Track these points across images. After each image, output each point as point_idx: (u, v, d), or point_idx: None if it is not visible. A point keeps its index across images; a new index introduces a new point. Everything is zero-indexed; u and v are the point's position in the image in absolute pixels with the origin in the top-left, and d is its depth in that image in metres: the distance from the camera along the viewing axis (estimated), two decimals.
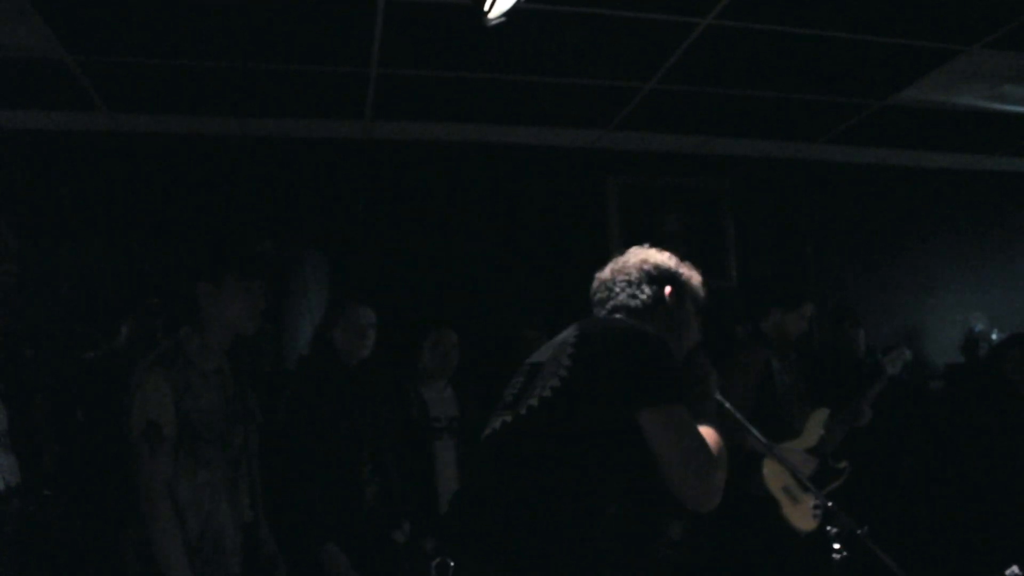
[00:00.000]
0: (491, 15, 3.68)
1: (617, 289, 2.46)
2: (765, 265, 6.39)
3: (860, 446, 4.67)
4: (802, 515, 4.02)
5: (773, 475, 4.02)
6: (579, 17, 4.20)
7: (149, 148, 5.50)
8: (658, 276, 2.50)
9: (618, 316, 2.38)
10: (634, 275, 2.48)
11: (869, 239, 6.75)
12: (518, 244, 5.95)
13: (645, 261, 2.52)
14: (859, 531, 2.20)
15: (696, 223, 6.37)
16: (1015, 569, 2.63)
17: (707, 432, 2.06)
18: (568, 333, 2.22)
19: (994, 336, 6.43)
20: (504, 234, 5.93)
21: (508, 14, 3.69)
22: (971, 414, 5.34)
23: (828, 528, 2.24)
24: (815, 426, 4.23)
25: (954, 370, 6.45)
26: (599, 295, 2.51)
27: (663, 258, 2.56)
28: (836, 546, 2.23)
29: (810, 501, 4.00)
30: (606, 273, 2.55)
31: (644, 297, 2.44)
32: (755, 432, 2.36)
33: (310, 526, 3.39)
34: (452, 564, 1.97)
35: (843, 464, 4.26)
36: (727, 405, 2.34)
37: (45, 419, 4.10)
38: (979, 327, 6.59)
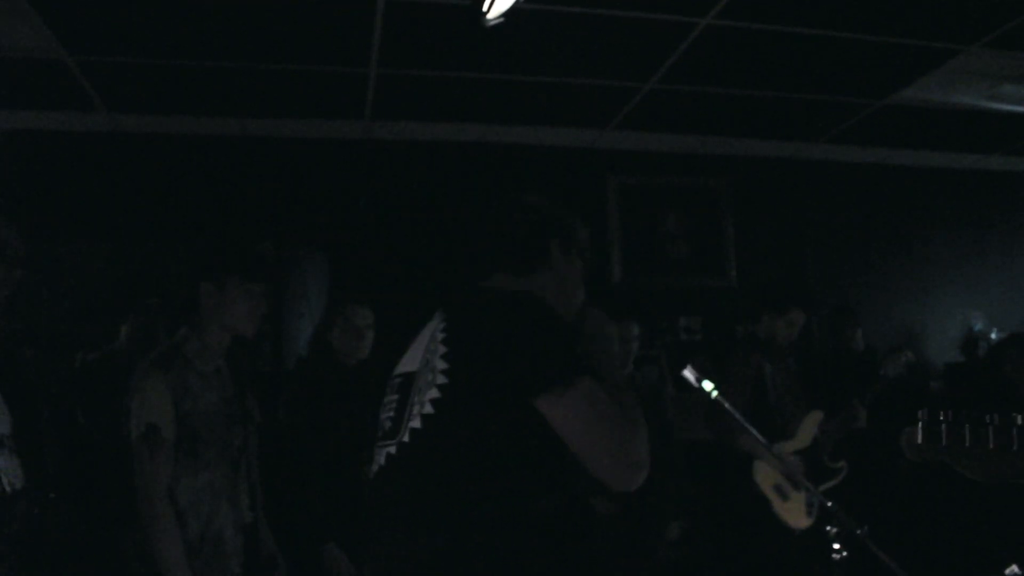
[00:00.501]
0: (490, 15, 3.69)
1: (492, 246, 2.04)
2: (765, 265, 6.39)
3: (860, 446, 4.69)
4: (794, 512, 4.08)
5: (764, 474, 4.10)
6: (578, 17, 4.21)
7: (149, 149, 5.51)
8: (541, 226, 2.06)
9: (494, 281, 1.99)
10: (510, 227, 2.04)
11: (869, 238, 6.75)
12: None
13: (524, 209, 2.08)
14: (859, 531, 2.20)
15: (696, 223, 6.38)
16: (1015, 568, 2.63)
17: (615, 402, 1.79)
18: (434, 324, 1.86)
19: (993, 335, 6.44)
20: None
21: (507, 14, 3.69)
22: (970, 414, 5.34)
23: (828, 528, 2.24)
24: (809, 428, 4.27)
25: (954, 369, 6.45)
26: (472, 255, 2.10)
27: (544, 203, 2.12)
28: (836, 546, 2.23)
29: (802, 499, 4.06)
30: (479, 227, 2.10)
31: (527, 253, 2.02)
32: (754, 432, 2.36)
33: (310, 526, 3.40)
34: None
35: (840, 464, 4.29)
36: (726, 405, 2.33)
37: (46, 421, 4.10)
38: (978, 326, 6.60)
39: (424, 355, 1.78)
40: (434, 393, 1.69)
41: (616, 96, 5.34)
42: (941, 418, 1.63)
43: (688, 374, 2.37)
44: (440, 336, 1.77)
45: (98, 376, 4.38)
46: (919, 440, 1.68)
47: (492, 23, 3.73)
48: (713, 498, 4.65)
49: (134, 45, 4.43)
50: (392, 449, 1.74)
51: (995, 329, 6.52)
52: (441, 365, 1.71)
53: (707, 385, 2.33)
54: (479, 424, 1.67)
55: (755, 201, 6.53)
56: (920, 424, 1.66)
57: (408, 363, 1.86)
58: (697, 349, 6.07)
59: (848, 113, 5.74)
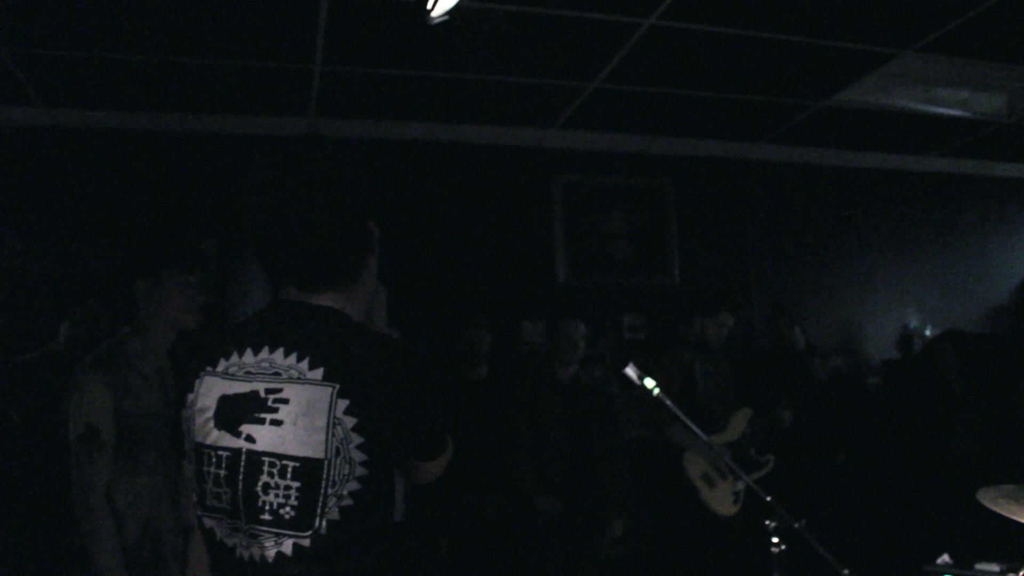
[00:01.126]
0: (435, 13, 3.68)
1: (316, 250, 1.64)
2: (707, 264, 6.47)
3: (796, 441, 4.79)
4: (720, 500, 4.26)
5: (692, 464, 4.30)
6: (523, 16, 4.22)
7: (88, 144, 5.39)
8: (363, 232, 1.79)
9: (323, 300, 1.67)
10: (333, 226, 1.67)
11: (808, 237, 6.87)
12: (463, 242, 5.95)
13: (343, 195, 1.73)
14: (796, 525, 2.24)
15: (640, 222, 6.43)
16: (946, 557, 2.70)
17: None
18: (320, 392, 1.51)
19: (928, 332, 6.61)
20: (448, 232, 5.92)
21: (451, 12, 3.69)
22: (906, 408, 5.47)
23: (766, 522, 2.28)
24: (738, 423, 4.43)
25: (890, 366, 6.60)
26: (283, 252, 1.66)
27: (360, 189, 1.81)
28: (774, 540, 2.27)
29: (728, 487, 4.24)
30: (282, 212, 1.66)
31: (352, 265, 1.73)
32: (692, 426, 2.40)
33: None
34: None
35: (767, 457, 4.42)
36: (668, 402, 2.36)
37: None
38: (914, 323, 6.77)
39: (329, 440, 1.50)
40: (354, 486, 1.51)
41: (561, 95, 5.36)
42: None
43: (630, 372, 2.40)
44: (344, 416, 1.50)
45: (34, 376, 4.29)
46: None
47: (437, 21, 3.73)
48: (649, 492, 4.74)
49: (72, 38, 4.33)
50: (305, 542, 1.51)
51: (929, 326, 6.69)
52: (360, 457, 1.51)
53: (648, 382, 2.36)
54: (385, 496, 1.59)
55: (698, 201, 6.61)
56: None
57: (294, 440, 1.51)
58: (641, 347, 6.12)
59: (788, 114, 5.84)
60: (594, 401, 4.77)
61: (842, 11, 4.32)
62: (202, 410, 1.59)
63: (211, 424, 1.57)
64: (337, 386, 1.51)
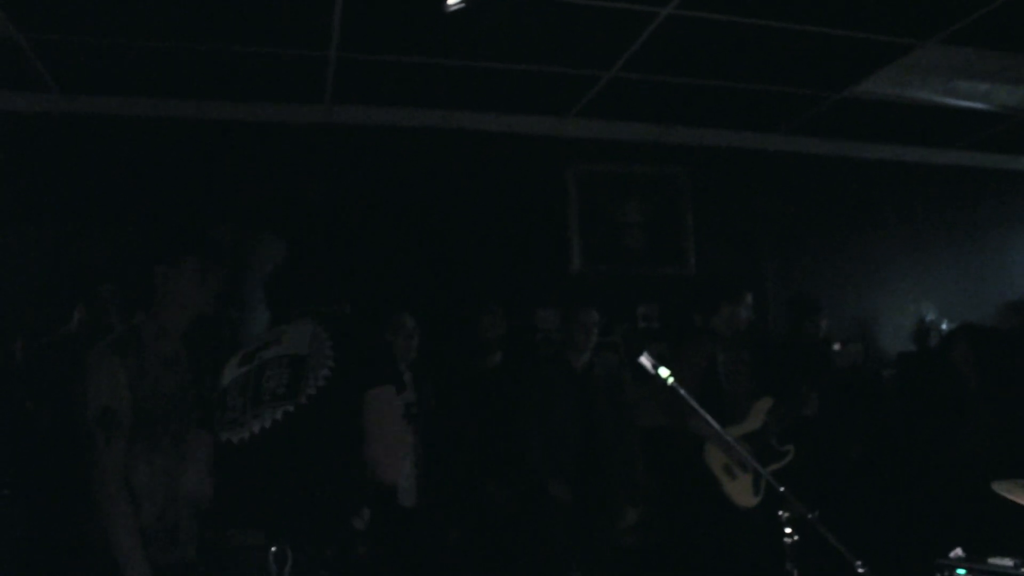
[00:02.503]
0: (451, 1, 3.68)
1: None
2: (722, 254, 6.45)
3: (813, 432, 4.77)
4: (741, 491, 4.24)
5: (714, 455, 4.25)
6: (540, 4, 4.21)
7: (104, 130, 5.41)
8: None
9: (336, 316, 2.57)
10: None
11: (824, 229, 6.83)
12: (478, 230, 5.95)
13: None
14: (810, 516, 2.23)
15: (655, 211, 6.41)
16: (959, 551, 2.69)
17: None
18: (311, 327, 2.41)
19: (944, 326, 6.56)
20: (464, 220, 5.92)
21: (468, 0, 3.68)
22: (921, 402, 5.44)
23: (780, 513, 2.27)
24: (758, 413, 4.40)
25: (906, 359, 6.57)
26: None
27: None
28: (788, 530, 2.26)
29: (749, 479, 4.22)
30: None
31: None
32: (706, 416, 2.39)
33: None
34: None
35: (787, 447, 4.41)
36: (682, 391, 2.36)
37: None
38: (930, 317, 6.72)
39: (309, 343, 2.35)
40: (325, 371, 2.27)
41: (577, 84, 5.35)
42: None
43: (645, 361, 2.39)
44: (321, 331, 2.37)
45: (47, 361, 4.31)
46: None
47: (454, 8, 3.72)
48: (668, 482, 4.73)
49: (89, 24, 4.34)
50: (290, 407, 2.24)
51: (946, 320, 6.64)
52: (330, 356, 2.30)
53: (663, 372, 2.35)
54: (346, 399, 2.28)
55: (714, 190, 6.57)
56: None
57: (289, 347, 2.37)
58: (655, 337, 6.11)
59: (806, 105, 5.80)
60: (607, 389, 4.77)
61: (862, 1, 4.29)
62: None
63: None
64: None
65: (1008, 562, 2.57)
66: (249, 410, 2.28)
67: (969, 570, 2.56)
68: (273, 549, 2.12)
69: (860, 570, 2.14)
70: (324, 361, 2.28)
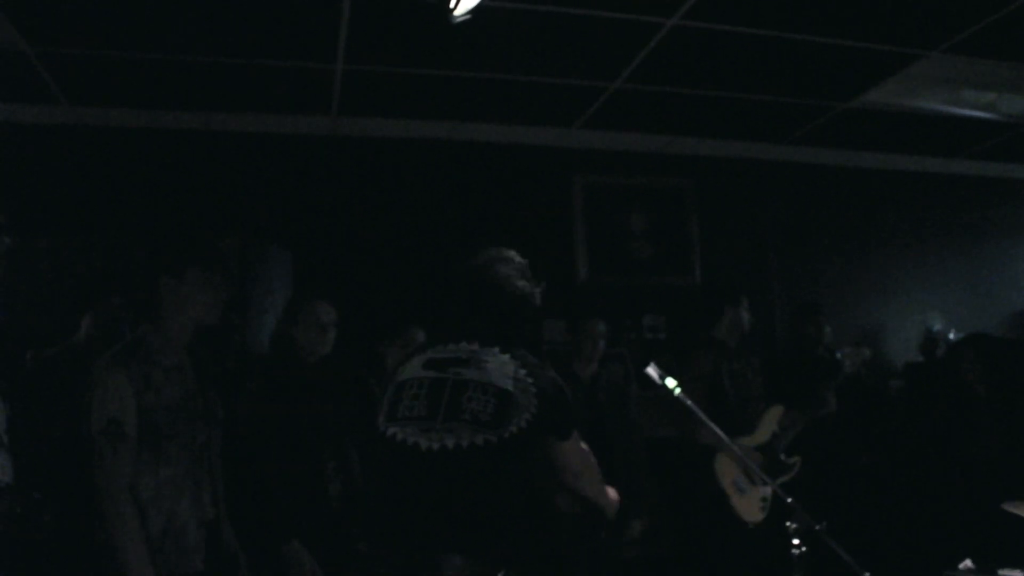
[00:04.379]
0: (457, 12, 3.69)
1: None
2: (729, 264, 6.44)
3: (820, 443, 4.75)
4: (749, 507, 4.20)
5: (723, 469, 4.21)
6: (545, 15, 4.21)
7: (111, 142, 5.44)
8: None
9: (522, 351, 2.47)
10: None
11: (831, 239, 6.83)
12: (483, 242, 5.93)
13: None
14: (817, 527, 2.22)
15: (661, 222, 6.41)
16: (968, 563, 2.68)
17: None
18: (504, 359, 2.40)
19: (951, 336, 6.54)
20: (470, 232, 5.92)
21: (474, 12, 3.69)
22: (929, 412, 5.43)
23: (787, 524, 2.26)
24: (768, 423, 4.36)
25: (913, 369, 6.55)
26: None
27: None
28: (795, 542, 2.25)
29: (757, 493, 4.18)
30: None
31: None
32: (715, 428, 2.39)
33: (273, 523, 3.37)
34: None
35: (794, 460, 4.38)
36: (688, 402, 2.35)
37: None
38: (937, 327, 6.70)
39: (513, 383, 2.34)
40: (527, 416, 2.30)
41: (583, 95, 5.35)
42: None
43: (651, 372, 2.39)
44: (523, 373, 2.37)
45: (55, 371, 4.31)
46: None
47: (459, 20, 3.73)
48: (675, 495, 4.70)
49: (96, 37, 4.36)
50: (492, 437, 2.26)
51: (953, 330, 6.62)
52: (534, 403, 2.32)
53: (670, 382, 2.35)
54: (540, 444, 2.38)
55: (719, 201, 6.58)
56: None
57: (495, 378, 2.36)
58: (662, 347, 6.11)
59: (812, 115, 5.80)
60: (613, 399, 4.76)
61: (868, 11, 4.29)
62: None
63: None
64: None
65: (1018, 574, 2.56)
66: (441, 420, 2.30)
67: None
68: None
69: None
70: (528, 407, 2.32)
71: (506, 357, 2.40)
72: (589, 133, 6.04)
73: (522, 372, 2.37)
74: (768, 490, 4.24)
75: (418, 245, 5.79)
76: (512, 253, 2.68)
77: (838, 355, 4.94)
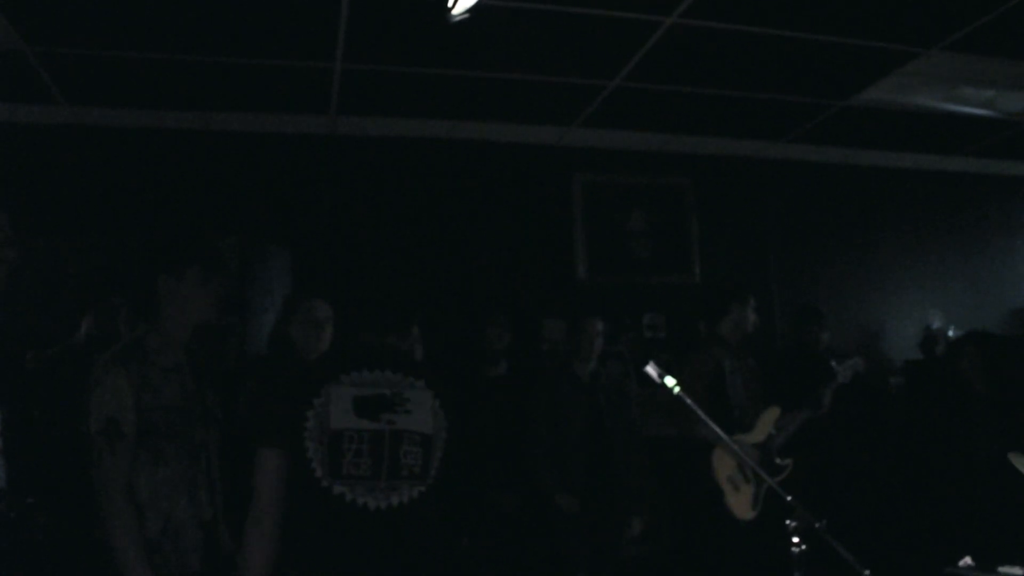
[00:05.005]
0: (455, 11, 3.69)
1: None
2: (728, 263, 6.45)
3: (820, 440, 4.75)
4: (741, 503, 4.21)
5: (720, 465, 4.23)
6: (544, 14, 4.21)
7: (110, 142, 5.44)
8: None
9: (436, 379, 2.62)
10: None
11: (830, 237, 6.84)
12: (483, 240, 5.96)
13: None
14: (817, 525, 2.22)
15: (660, 220, 6.42)
16: (968, 560, 2.68)
17: None
18: (422, 392, 2.49)
19: (951, 333, 6.55)
20: (469, 230, 5.93)
21: (472, 10, 3.69)
22: (928, 410, 5.42)
23: (787, 522, 2.26)
24: (765, 423, 4.38)
25: (912, 366, 6.55)
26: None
27: None
28: (795, 540, 2.25)
29: (750, 491, 4.20)
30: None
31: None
32: (714, 427, 2.38)
33: None
34: None
35: (786, 462, 4.40)
36: (688, 401, 2.35)
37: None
38: (937, 324, 6.70)
39: (433, 421, 2.47)
40: (440, 455, 2.48)
41: (581, 94, 5.35)
42: None
43: (651, 370, 2.39)
44: (437, 404, 2.50)
45: (55, 371, 4.32)
46: None
47: (457, 19, 3.73)
48: (674, 493, 4.71)
49: (95, 37, 4.36)
50: (422, 488, 2.43)
51: (952, 327, 6.63)
52: (444, 436, 2.50)
53: (669, 381, 2.34)
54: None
55: (719, 199, 6.58)
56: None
57: (419, 424, 2.45)
58: (661, 346, 6.11)
59: (810, 113, 5.80)
60: (613, 398, 4.76)
61: (866, 9, 4.29)
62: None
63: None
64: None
65: (1018, 571, 2.56)
66: (385, 479, 2.37)
67: None
68: None
69: None
70: (441, 443, 2.48)
71: (428, 395, 2.49)
72: (588, 132, 6.04)
73: (439, 406, 2.51)
74: (761, 488, 4.26)
75: (417, 244, 5.79)
76: None
77: (832, 364, 4.95)
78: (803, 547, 2.25)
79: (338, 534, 2.35)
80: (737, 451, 2.56)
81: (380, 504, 2.34)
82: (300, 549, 2.35)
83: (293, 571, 2.35)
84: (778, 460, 4.40)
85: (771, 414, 4.44)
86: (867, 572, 2.14)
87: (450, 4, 3.67)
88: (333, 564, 2.33)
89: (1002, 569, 2.58)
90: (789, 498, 2.29)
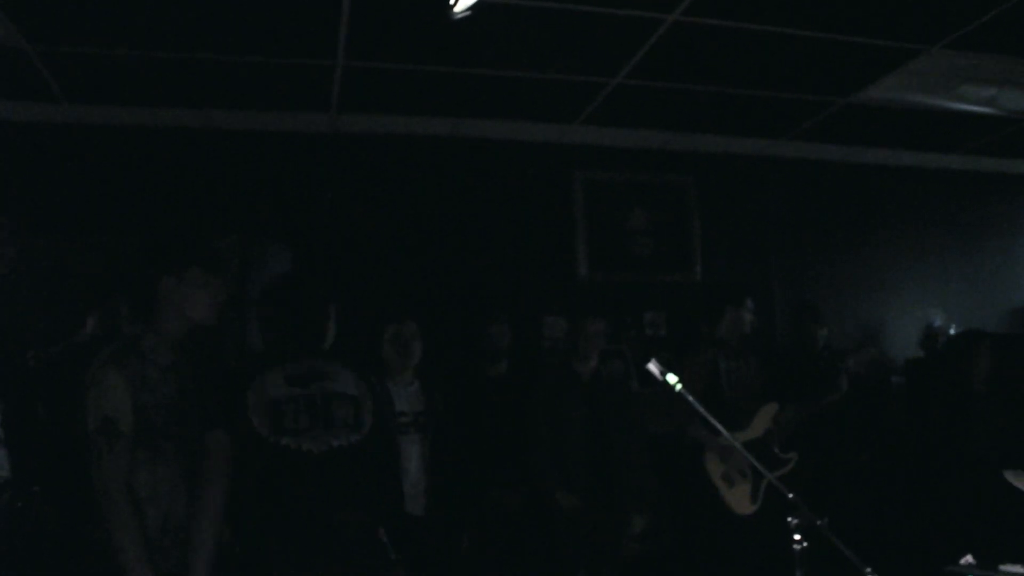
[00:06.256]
0: (457, 8, 3.69)
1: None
2: (729, 261, 6.45)
3: (821, 438, 4.75)
4: (739, 499, 4.24)
5: (713, 463, 4.28)
6: (546, 11, 4.21)
7: (111, 140, 5.43)
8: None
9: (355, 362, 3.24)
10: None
11: (831, 235, 6.83)
12: (484, 238, 5.96)
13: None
14: (819, 522, 2.22)
15: (662, 218, 6.41)
16: (969, 558, 2.68)
17: None
18: (348, 373, 3.09)
19: (951, 331, 6.55)
20: (470, 228, 5.93)
21: (474, 8, 3.69)
22: (928, 407, 5.42)
23: (789, 520, 2.26)
24: (762, 420, 4.40)
25: (913, 364, 6.55)
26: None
27: None
28: (797, 537, 2.25)
29: (747, 486, 4.23)
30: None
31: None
32: (717, 423, 2.39)
33: None
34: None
35: (790, 455, 4.40)
36: (690, 399, 2.35)
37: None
38: (938, 322, 6.70)
39: (356, 386, 3.08)
40: (369, 418, 3.06)
41: (583, 91, 5.35)
42: None
43: (652, 368, 2.39)
44: (356, 376, 3.11)
45: (59, 369, 4.32)
46: None
47: (459, 16, 3.73)
48: (670, 489, 4.73)
49: (96, 35, 4.36)
50: (356, 437, 2.98)
51: (953, 325, 6.62)
52: (369, 405, 3.09)
53: (671, 378, 2.35)
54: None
55: (720, 197, 6.58)
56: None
57: (347, 388, 3.07)
58: (662, 344, 6.11)
59: (812, 111, 5.80)
60: (614, 396, 4.76)
61: (867, 7, 4.29)
62: None
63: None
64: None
65: (1019, 569, 2.56)
66: (321, 429, 2.90)
67: None
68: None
69: None
70: (369, 405, 3.08)
71: (350, 375, 3.09)
72: (590, 129, 6.03)
73: (363, 384, 3.11)
74: (760, 483, 4.27)
75: (419, 242, 5.79)
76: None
77: (848, 360, 4.95)
78: (805, 545, 2.25)
79: (289, 478, 2.84)
80: (736, 445, 2.57)
81: (321, 447, 2.87)
82: (258, 499, 2.83)
83: (252, 520, 2.83)
84: (778, 451, 4.41)
85: (768, 410, 4.46)
86: (869, 570, 2.14)
87: (451, 1, 3.67)
88: (288, 505, 2.83)
89: (1003, 567, 2.58)
90: (791, 495, 2.29)
